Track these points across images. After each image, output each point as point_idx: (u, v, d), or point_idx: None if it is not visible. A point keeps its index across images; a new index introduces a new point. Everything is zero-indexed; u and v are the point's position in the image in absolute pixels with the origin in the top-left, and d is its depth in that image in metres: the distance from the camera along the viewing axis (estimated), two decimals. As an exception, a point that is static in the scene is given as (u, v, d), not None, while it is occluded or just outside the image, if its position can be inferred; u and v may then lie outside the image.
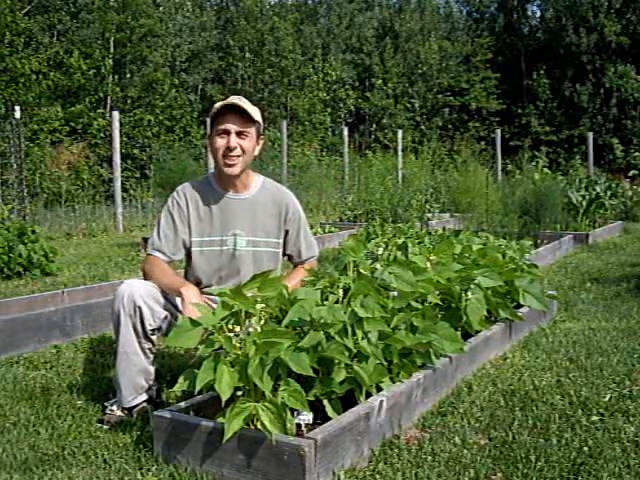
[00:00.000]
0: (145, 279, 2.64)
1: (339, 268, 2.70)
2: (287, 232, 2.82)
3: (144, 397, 2.55)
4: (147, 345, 2.51)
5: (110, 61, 19.25)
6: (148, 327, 2.48)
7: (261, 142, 2.75)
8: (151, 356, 2.55)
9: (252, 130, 2.65)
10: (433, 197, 10.32)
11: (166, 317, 2.52)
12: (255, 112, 2.64)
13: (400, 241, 3.36)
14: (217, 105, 2.63)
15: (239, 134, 2.61)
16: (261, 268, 2.68)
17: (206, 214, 2.71)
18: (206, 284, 2.72)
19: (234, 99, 2.62)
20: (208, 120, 2.67)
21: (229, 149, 2.60)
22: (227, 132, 2.60)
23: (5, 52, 16.63)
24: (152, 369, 2.57)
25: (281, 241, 2.81)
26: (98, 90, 19.26)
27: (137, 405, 2.54)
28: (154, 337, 2.53)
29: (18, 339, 3.49)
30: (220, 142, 2.61)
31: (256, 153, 2.73)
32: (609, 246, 7.59)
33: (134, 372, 2.51)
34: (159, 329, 2.54)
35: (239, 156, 2.62)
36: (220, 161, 2.64)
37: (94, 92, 19.19)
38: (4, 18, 16.61)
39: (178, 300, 2.55)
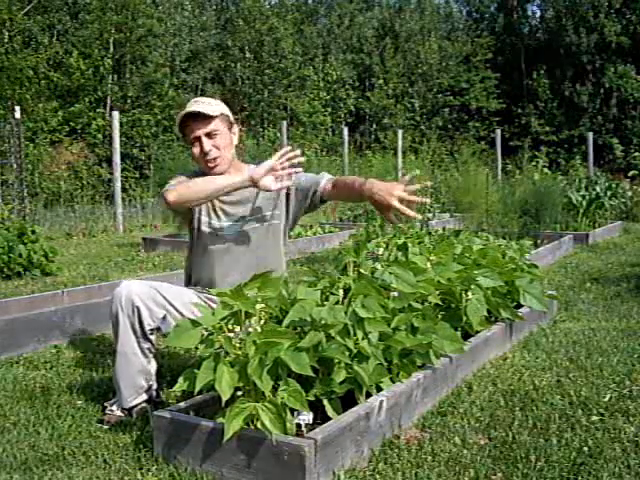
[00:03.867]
0: (174, 205, 2.54)
1: (339, 268, 2.70)
2: (294, 191, 2.74)
3: (144, 397, 2.55)
4: (146, 345, 2.51)
5: (109, 61, 19.25)
6: (147, 327, 2.48)
7: (236, 130, 2.74)
8: (150, 356, 2.55)
9: (218, 124, 2.63)
10: (433, 197, 10.31)
11: (164, 317, 2.52)
12: (212, 108, 2.62)
13: (400, 241, 3.36)
14: (179, 116, 2.64)
15: (208, 135, 2.61)
16: (266, 243, 2.72)
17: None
18: (213, 278, 2.71)
19: (190, 105, 2.64)
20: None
21: (205, 154, 2.61)
22: (198, 139, 2.61)
23: (1, 50, 16.62)
24: (151, 369, 2.57)
25: (282, 211, 2.76)
26: (97, 90, 19.25)
27: (137, 405, 2.54)
28: (153, 337, 2.53)
29: (18, 339, 3.49)
30: (196, 151, 2.63)
31: (235, 142, 2.73)
32: (609, 246, 7.59)
33: (134, 372, 2.51)
34: (158, 329, 2.54)
35: (218, 156, 2.63)
36: (203, 166, 2.66)
37: (93, 92, 19.19)
38: (1, 17, 16.62)
39: (171, 298, 2.55)
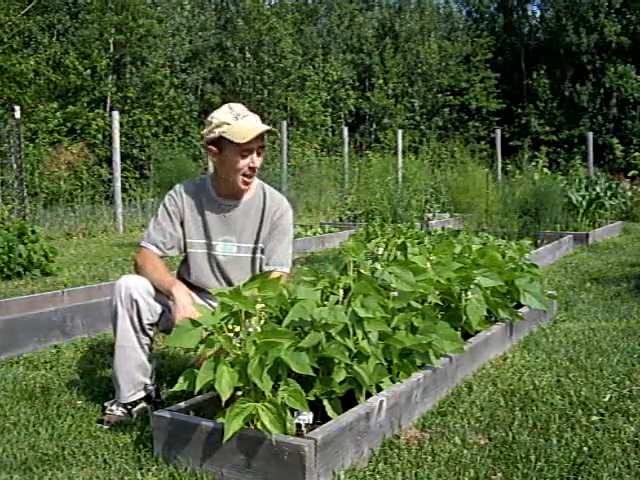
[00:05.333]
0: (136, 271, 2.63)
1: (339, 268, 2.70)
2: (275, 232, 2.76)
3: (142, 394, 2.56)
4: (145, 340, 2.52)
5: (107, 61, 19.23)
6: (145, 321, 2.49)
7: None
8: (149, 352, 2.56)
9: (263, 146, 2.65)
10: (433, 197, 10.32)
11: (163, 312, 2.53)
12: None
13: (399, 241, 3.36)
14: (246, 132, 2.51)
15: (259, 152, 2.60)
16: (254, 274, 2.70)
17: (200, 218, 2.70)
18: (200, 288, 2.71)
19: (255, 121, 2.57)
20: (217, 132, 2.54)
21: (252, 169, 2.59)
22: (251, 151, 2.57)
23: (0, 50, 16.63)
24: (150, 366, 2.57)
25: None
26: (96, 90, 19.25)
27: (136, 402, 2.55)
28: (151, 332, 2.54)
29: (18, 339, 3.49)
30: (242, 162, 2.57)
31: None
32: (609, 246, 7.59)
33: (132, 367, 2.51)
34: (156, 324, 2.55)
35: (255, 175, 2.64)
36: (238, 179, 2.60)
37: (92, 92, 19.18)
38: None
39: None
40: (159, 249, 2.66)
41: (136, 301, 2.47)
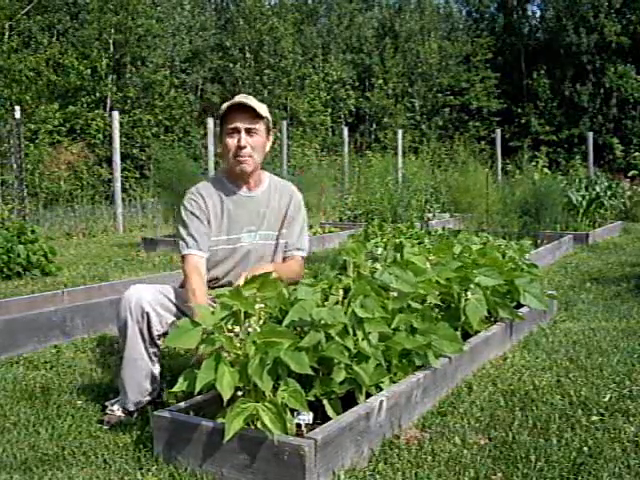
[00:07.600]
0: (184, 281, 2.60)
1: (335, 268, 2.70)
2: (286, 218, 2.78)
3: (148, 399, 2.56)
4: (153, 350, 2.52)
5: (107, 61, 19.23)
6: (155, 332, 2.49)
7: (271, 138, 2.74)
8: (156, 360, 2.56)
9: (261, 126, 2.64)
10: (433, 197, 10.32)
11: (174, 322, 2.51)
12: (262, 108, 2.64)
13: (397, 241, 3.36)
14: (224, 105, 2.63)
15: (248, 131, 2.60)
16: (278, 261, 2.76)
17: (221, 212, 2.69)
18: (224, 281, 2.71)
19: (240, 97, 2.63)
20: (218, 122, 2.67)
21: (240, 148, 2.60)
22: (237, 130, 2.59)
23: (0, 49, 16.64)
24: (157, 372, 2.57)
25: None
26: (96, 90, 19.26)
27: (141, 407, 2.55)
28: (160, 342, 2.54)
29: (18, 339, 3.49)
30: (231, 142, 2.61)
31: (267, 149, 2.72)
32: (609, 246, 7.59)
33: (141, 377, 2.51)
34: (165, 334, 2.54)
35: (250, 155, 2.62)
36: (232, 160, 2.64)
37: (92, 92, 19.19)
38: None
39: (181, 304, 2.56)
40: (202, 251, 2.62)
41: (147, 313, 2.45)
